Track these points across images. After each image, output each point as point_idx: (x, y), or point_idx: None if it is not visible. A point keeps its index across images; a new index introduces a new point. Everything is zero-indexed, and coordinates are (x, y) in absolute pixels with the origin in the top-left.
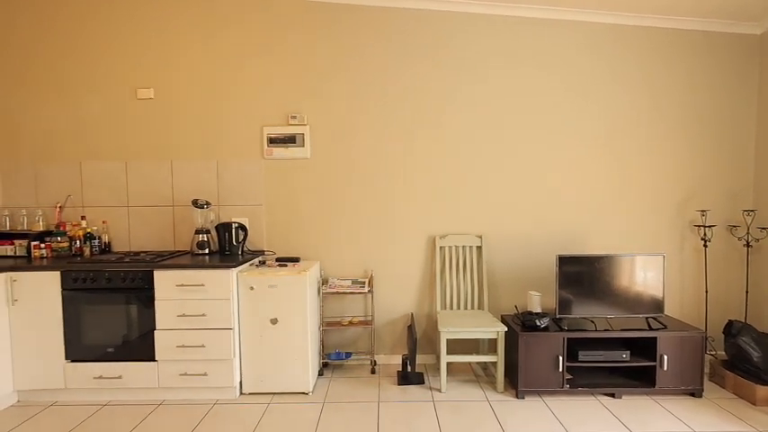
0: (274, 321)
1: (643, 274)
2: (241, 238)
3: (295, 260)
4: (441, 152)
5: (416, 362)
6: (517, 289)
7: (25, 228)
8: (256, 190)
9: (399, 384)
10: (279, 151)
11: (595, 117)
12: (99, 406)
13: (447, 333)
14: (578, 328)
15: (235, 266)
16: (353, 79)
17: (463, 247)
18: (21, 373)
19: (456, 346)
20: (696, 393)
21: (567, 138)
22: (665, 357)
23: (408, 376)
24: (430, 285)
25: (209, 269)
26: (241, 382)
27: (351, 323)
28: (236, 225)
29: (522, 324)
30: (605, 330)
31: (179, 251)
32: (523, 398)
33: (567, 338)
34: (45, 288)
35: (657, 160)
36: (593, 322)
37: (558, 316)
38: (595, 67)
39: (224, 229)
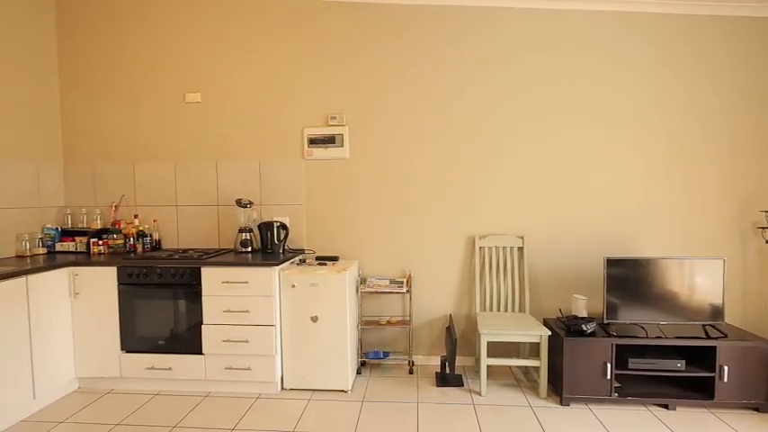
0: (315, 319)
1: (700, 279)
2: (282, 236)
3: (334, 259)
4: (482, 151)
5: (455, 364)
6: (560, 292)
7: (85, 225)
8: (297, 190)
9: (438, 386)
10: (319, 151)
11: (644, 111)
12: (151, 395)
13: (487, 335)
14: (628, 334)
15: (277, 264)
16: (393, 79)
17: (503, 247)
18: (81, 361)
19: (496, 348)
20: (761, 408)
21: (614, 134)
22: (726, 368)
23: (447, 378)
24: (469, 286)
25: (252, 267)
26: (282, 378)
27: (389, 323)
28: (278, 224)
29: (566, 328)
30: (658, 338)
31: (223, 249)
32: (568, 405)
33: (616, 345)
34: (103, 282)
35: (714, 156)
36: (643, 329)
37: (605, 321)
38: (645, 56)
39: (266, 227)
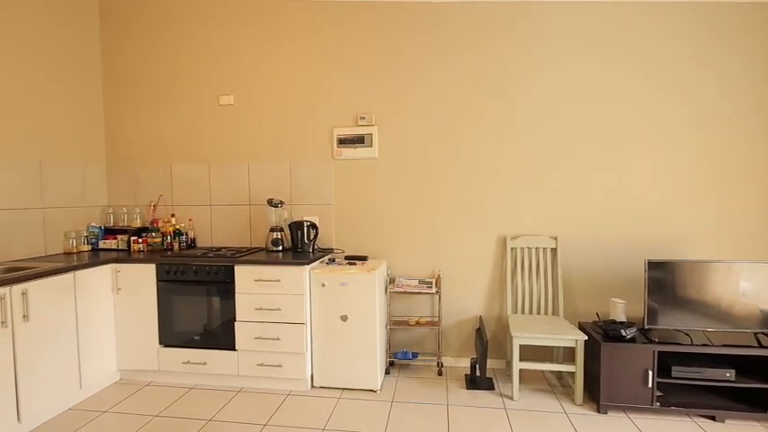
0: (344, 318)
1: (750, 284)
2: (312, 236)
3: (363, 258)
4: (513, 150)
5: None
6: (596, 295)
7: (126, 224)
8: (326, 189)
9: (468, 388)
10: (348, 151)
11: (683, 104)
12: (187, 388)
13: (520, 338)
14: (671, 340)
15: (307, 264)
16: (422, 77)
17: (536, 248)
18: (123, 354)
19: (528, 352)
20: None
21: (651, 129)
22: None
23: (477, 381)
24: (499, 287)
25: (284, 265)
26: (312, 376)
27: (417, 323)
28: (308, 224)
29: (604, 333)
30: (704, 345)
31: (255, 247)
32: (606, 413)
33: (659, 352)
34: (143, 279)
35: (763, 152)
36: (687, 335)
37: (645, 326)
38: (675, 51)
39: (296, 227)
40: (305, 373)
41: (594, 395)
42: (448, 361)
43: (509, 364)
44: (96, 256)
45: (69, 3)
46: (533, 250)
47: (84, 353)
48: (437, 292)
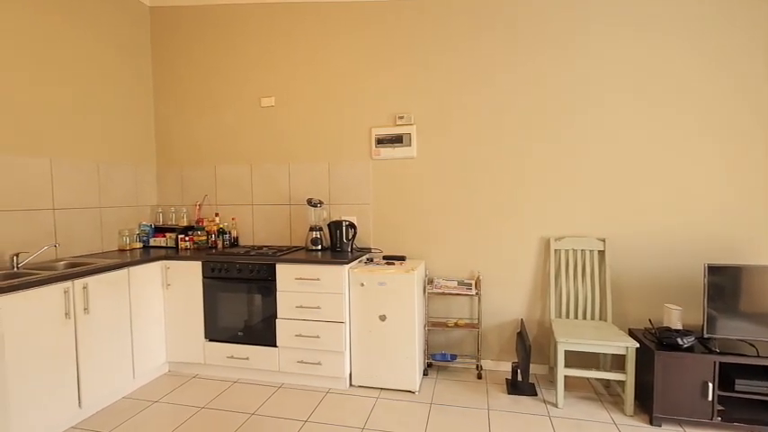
0: (383, 318)
1: None
2: (351, 235)
3: (401, 258)
4: (557, 147)
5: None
6: (647, 300)
7: (174, 223)
8: (364, 189)
9: (509, 393)
10: (386, 151)
11: (746, 99)
12: (231, 382)
13: (565, 344)
14: (734, 351)
15: (346, 263)
16: (461, 76)
17: (582, 250)
18: (171, 346)
19: (572, 358)
20: None
21: (709, 123)
22: None
23: (519, 385)
24: (542, 290)
25: (324, 264)
26: (351, 375)
27: (456, 325)
28: (347, 223)
29: (658, 341)
30: None
31: (295, 246)
32: (659, 425)
33: (720, 363)
34: (190, 275)
35: None
36: (753, 346)
37: (705, 335)
38: (739, 45)
39: (335, 226)
40: (344, 372)
41: (646, 406)
42: (487, 364)
43: (552, 369)
44: (147, 253)
45: (125, 18)
46: (579, 252)
47: (136, 345)
48: (477, 293)
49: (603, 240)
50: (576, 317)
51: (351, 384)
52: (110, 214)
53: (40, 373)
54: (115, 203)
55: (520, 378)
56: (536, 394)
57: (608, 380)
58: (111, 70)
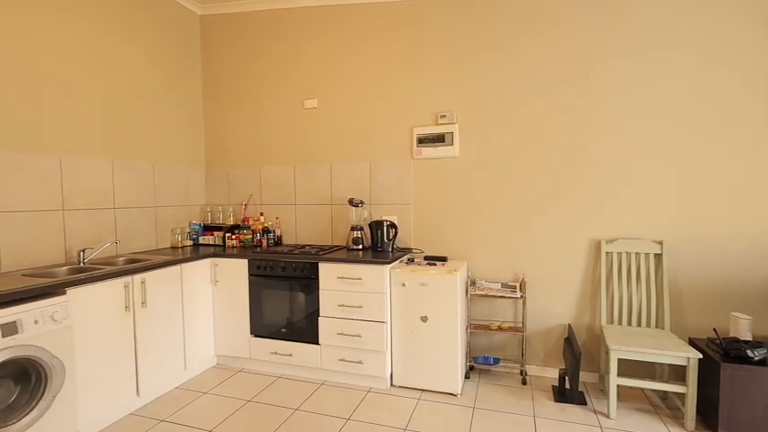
0: (424, 319)
1: None
2: (392, 235)
3: (443, 259)
4: (610, 144)
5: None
6: (710, 308)
7: (221, 221)
8: (405, 189)
9: (556, 401)
10: (428, 151)
11: None
12: (274, 377)
13: (619, 352)
14: None
15: (388, 263)
16: (505, 73)
17: (636, 253)
18: (219, 341)
19: (625, 367)
20: None
21: None
22: None
23: (567, 393)
24: (592, 295)
25: (365, 264)
26: (392, 375)
27: (500, 328)
28: (388, 223)
29: (724, 353)
30: None
31: (336, 246)
32: None
33: None
34: (236, 273)
35: None
36: None
37: None
38: None
39: (377, 226)
40: (385, 372)
41: (710, 421)
42: (532, 370)
43: (602, 378)
44: (197, 251)
45: (177, 27)
46: (633, 255)
47: (188, 338)
48: (522, 296)
49: (660, 243)
50: (630, 323)
51: (391, 384)
52: (163, 213)
53: (103, 362)
54: (168, 203)
55: (568, 385)
56: (585, 403)
57: (665, 391)
58: (165, 76)
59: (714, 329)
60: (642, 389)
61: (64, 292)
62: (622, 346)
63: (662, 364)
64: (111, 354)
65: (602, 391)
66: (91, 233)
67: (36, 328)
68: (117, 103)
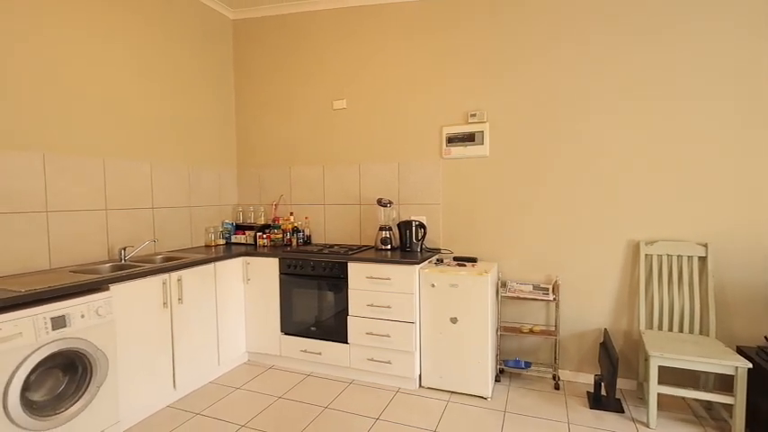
0: (454, 320)
1: None
2: (420, 235)
3: (473, 260)
4: (650, 140)
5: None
6: (761, 315)
7: (252, 221)
8: (434, 189)
9: (591, 408)
10: (457, 150)
11: None
12: (304, 375)
13: (660, 359)
14: None
15: (417, 263)
16: (536, 70)
17: (678, 256)
18: (250, 338)
19: (665, 374)
20: None
21: None
22: None
23: (603, 400)
24: (629, 299)
25: (395, 264)
26: (420, 375)
27: (531, 331)
28: (417, 223)
29: None
30: None
31: (365, 245)
32: None
33: None
34: (268, 271)
35: None
36: None
37: None
38: None
39: (405, 226)
40: (413, 372)
41: None
42: (565, 375)
43: (641, 385)
44: (229, 250)
45: (212, 32)
46: (675, 258)
47: (221, 334)
48: (555, 299)
49: (705, 245)
50: (671, 329)
51: (420, 385)
52: (198, 213)
53: (142, 355)
54: (202, 203)
55: (604, 392)
56: (623, 411)
57: (710, 402)
58: (200, 80)
59: (766, 337)
60: (684, 398)
61: (107, 288)
62: (664, 352)
63: (707, 372)
64: (150, 348)
65: (641, 399)
66: (131, 232)
67: (82, 322)
68: (155, 107)
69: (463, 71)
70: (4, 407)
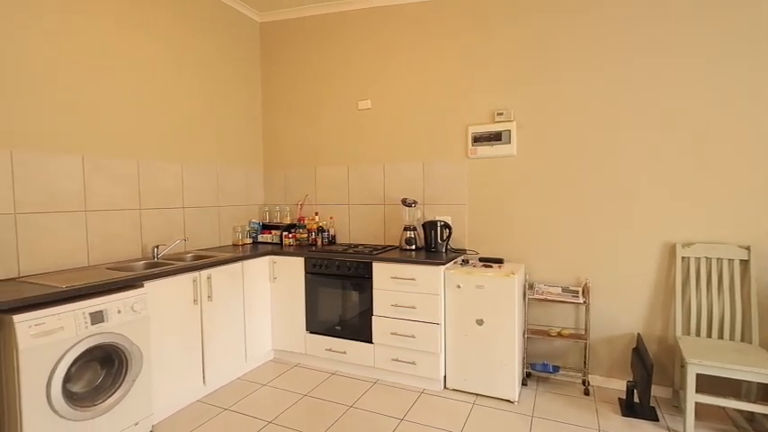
0: (480, 322)
1: None
2: (445, 236)
3: (499, 261)
4: (686, 135)
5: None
6: None
7: (278, 221)
8: (459, 189)
9: (624, 415)
10: (483, 150)
11: None
12: (329, 374)
13: (699, 366)
14: None
15: (443, 264)
16: (565, 67)
17: (718, 259)
18: (276, 335)
19: (703, 383)
20: None
21: None
22: None
23: (636, 408)
24: (664, 303)
25: (420, 265)
26: (445, 377)
27: (560, 335)
28: (442, 223)
29: None
30: None
31: (389, 245)
32: None
33: None
34: (293, 270)
35: None
36: None
37: None
38: None
39: (430, 226)
40: (438, 374)
41: None
42: (595, 380)
43: (676, 393)
44: (256, 249)
45: (239, 35)
46: (714, 261)
47: (248, 331)
48: (585, 302)
49: (748, 248)
50: (710, 335)
51: (445, 387)
52: (225, 212)
53: (174, 351)
54: (230, 203)
55: (636, 399)
56: (657, 419)
57: (752, 413)
58: (229, 81)
59: None
60: (724, 408)
61: (142, 285)
62: (703, 360)
63: (749, 381)
64: (181, 343)
65: (676, 407)
66: (163, 230)
67: (119, 318)
68: (186, 109)
69: (490, 70)
70: (48, 397)
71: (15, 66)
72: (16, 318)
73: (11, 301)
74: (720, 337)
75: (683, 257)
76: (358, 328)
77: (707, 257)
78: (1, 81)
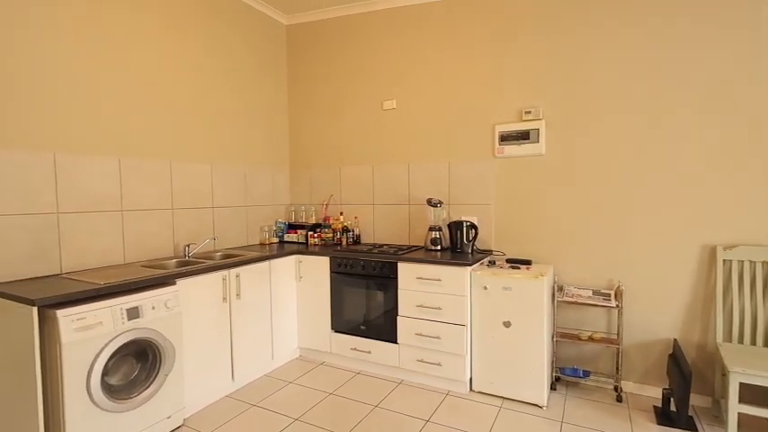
0: (507, 324)
1: None
2: (472, 236)
3: (527, 263)
4: (729, 132)
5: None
6: None
7: (304, 220)
8: (486, 189)
9: (659, 424)
10: (510, 149)
11: None
12: (353, 373)
13: (742, 375)
14: None
15: (469, 264)
16: (595, 62)
17: (763, 262)
18: (302, 334)
19: (746, 392)
20: None
21: None
22: None
23: (672, 416)
24: (704, 308)
25: (446, 265)
26: (471, 379)
27: (591, 339)
28: (468, 224)
29: None
30: None
31: (414, 246)
32: None
33: None
34: (319, 270)
35: None
36: None
37: None
38: None
39: (456, 227)
40: (464, 376)
41: None
42: (628, 386)
43: (716, 402)
44: (282, 248)
45: (266, 38)
46: (758, 264)
47: (275, 329)
48: (617, 306)
49: None
50: (754, 343)
51: (471, 389)
52: (253, 212)
53: (204, 347)
54: (257, 202)
55: (673, 407)
56: (695, 430)
57: None
58: (256, 83)
59: None
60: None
61: (174, 283)
62: (747, 368)
63: None
64: (211, 340)
65: (716, 417)
66: (193, 230)
67: (153, 314)
68: (216, 110)
69: (517, 68)
70: (88, 389)
71: (61, 74)
72: (60, 312)
73: (54, 297)
74: (766, 344)
75: (724, 260)
76: (383, 328)
77: (751, 261)
78: (49, 91)
